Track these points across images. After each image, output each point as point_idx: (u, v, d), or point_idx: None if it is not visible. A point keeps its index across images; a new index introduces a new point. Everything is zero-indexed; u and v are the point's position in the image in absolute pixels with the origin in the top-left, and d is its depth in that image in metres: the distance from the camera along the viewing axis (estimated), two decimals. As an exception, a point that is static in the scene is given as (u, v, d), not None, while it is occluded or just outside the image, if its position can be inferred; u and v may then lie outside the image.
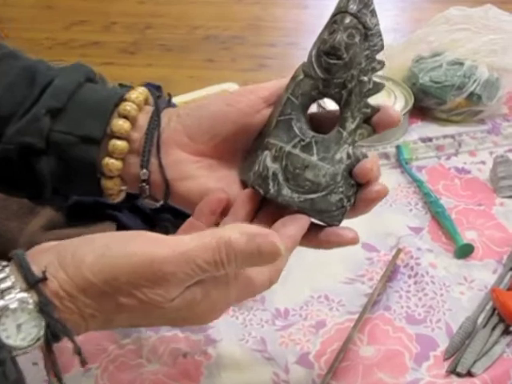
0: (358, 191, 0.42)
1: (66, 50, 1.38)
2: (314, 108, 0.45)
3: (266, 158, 0.41)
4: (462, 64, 0.85)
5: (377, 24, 0.42)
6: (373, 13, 0.42)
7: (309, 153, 0.41)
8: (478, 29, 0.87)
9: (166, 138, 0.43)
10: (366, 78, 0.41)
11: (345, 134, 0.41)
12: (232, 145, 0.43)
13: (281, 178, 0.41)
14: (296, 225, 0.39)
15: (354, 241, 0.42)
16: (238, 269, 0.35)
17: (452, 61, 0.86)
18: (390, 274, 0.64)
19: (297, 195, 0.41)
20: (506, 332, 0.57)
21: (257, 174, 0.41)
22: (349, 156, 0.41)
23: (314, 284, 0.64)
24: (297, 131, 0.41)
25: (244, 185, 0.44)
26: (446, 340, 0.57)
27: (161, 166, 0.42)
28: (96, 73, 0.79)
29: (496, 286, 0.61)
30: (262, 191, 0.41)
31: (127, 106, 0.43)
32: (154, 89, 0.82)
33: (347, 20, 0.41)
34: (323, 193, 0.41)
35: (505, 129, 0.86)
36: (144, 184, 0.43)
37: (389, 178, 0.78)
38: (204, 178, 0.43)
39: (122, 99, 0.44)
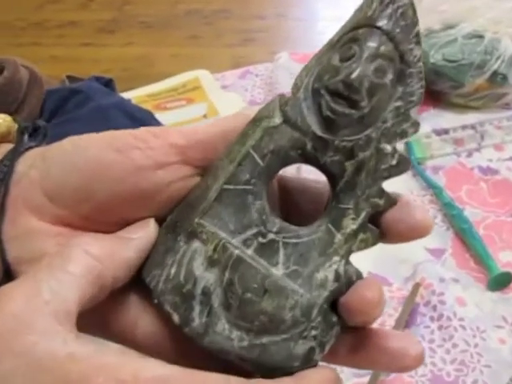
0: (339, 334, 0.24)
1: (40, 31, 1.28)
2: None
3: (195, 258, 0.24)
4: (481, 37, 0.71)
5: (420, 59, 0.25)
6: (417, 39, 0.25)
7: (269, 260, 0.24)
8: (499, -7, 0.72)
9: (15, 196, 0.27)
10: (389, 148, 0.24)
11: (338, 237, 0.24)
12: (119, 214, 0.27)
13: (216, 301, 0.24)
14: None
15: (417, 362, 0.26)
16: None
17: (469, 34, 0.71)
18: (408, 317, 0.50)
19: (238, 335, 0.24)
20: None
21: (171, 282, 0.24)
22: (338, 277, 0.24)
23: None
24: (254, 216, 0.24)
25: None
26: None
27: (0, 240, 0.27)
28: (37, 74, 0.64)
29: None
30: (176, 317, 0.24)
31: None
32: (104, 83, 0.67)
33: (376, 42, 0.24)
34: (284, 336, 0.24)
35: (536, 114, 0.71)
36: None
37: (398, 184, 0.63)
38: None
39: None
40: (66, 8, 1.38)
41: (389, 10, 0.24)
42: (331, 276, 0.24)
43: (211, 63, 0.93)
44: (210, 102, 0.75)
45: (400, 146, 0.69)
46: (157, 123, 0.63)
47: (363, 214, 0.24)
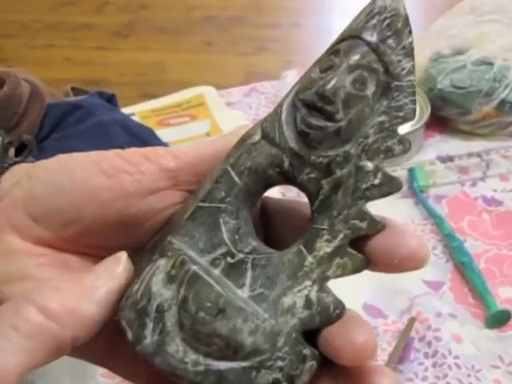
0: (318, 368, 0.22)
1: (55, 33, 1.29)
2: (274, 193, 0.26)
3: (156, 273, 0.23)
4: (491, 64, 0.69)
5: (411, 72, 0.23)
6: (407, 51, 0.23)
7: (235, 281, 0.23)
8: (510, 20, 0.71)
9: None
10: (370, 166, 0.22)
11: (310, 260, 0.22)
12: (105, 239, 0.26)
13: (171, 319, 0.22)
14: None
15: None
16: None
17: (479, 60, 0.70)
18: (401, 352, 0.49)
19: (194, 358, 0.22)
20: None
21: (131, 299, 0.23)
22: (309, 303, 0.22)
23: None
24: (225, 235, 0.23)
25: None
26: None
27: None
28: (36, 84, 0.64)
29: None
30: (129, 334, 0.23)
31: None
32: (106, 98, 0.67)
33: (357, 53, 0.23)
34: (244, 363, 0.22)
35: (544, 145, 0.69)
36: None
37: (399, 211, 0.62)
38: (47, 281, 0.25)
39: None
40: (81, 11, 1.39)
41: (374, 21, 0.23)
42: (300, 302, 0.22)
43: (224, 70, 0.93)
44: (213, 119, 0.75)
45: (403, 172, 0.67)
46: (158, 142, 0.62)
47: (340, 237, 0.22)
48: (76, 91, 0.73)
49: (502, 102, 0.68)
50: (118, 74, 1.03)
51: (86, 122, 0.60)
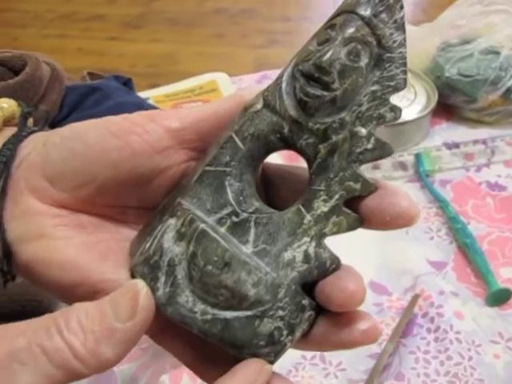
0: (316, 318, 0.25)
1: (68, 24, 1.30)
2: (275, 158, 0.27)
3: (167, 232, 0.25)
4: (497, 53, 0.71)
5: (402, 44, 0.25)
6: (398, 25, 0.25)
7: (240, 238, 0.25)
8: (518, 10, 0.72)
9: (17, 178, 0.28)
10: (364, 131, 0.24)
11: (308, 218, 0.24)
12: (117, 198, 0.28)
13: (181, 273, 0.24)
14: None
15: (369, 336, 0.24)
16: None
17: (486, 49, 0.72)
18: (405, 327, 0.51)
19: (202, 308, 0.24)
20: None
21: (144, 255, 0.25)
22: (307, 258, 0.24)
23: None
24: (230, 196, 0.25)
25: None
26: (476, 426, 0.44)
27: (0, 220, 0.27)
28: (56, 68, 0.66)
29: (541, 350, 0.48)
30: None
31: None
32: (123, 82, 0.69)
33: (352, 26, 0.24)
34: (248, 313, 0.24)
35: (548, 133, 0.71)
36: None
37: (405, 195, 0.64)
38: (63, 241, 0.27)
39: None
40: (94, 1, 1.40)
41: None
42: (300, 256, 0.24)
43: (234, 63, 0.94)
44: (225, 104, 0.76)
45: (410, 157, 0.69)
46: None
47: (336, 197, 0.24)
48: (92, 76, 0.75)
49: (508, 91, 0.70)
50: (129, 65, 1.05)
51: (104, 103, 0.62)
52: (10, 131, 0.29)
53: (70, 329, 0.21)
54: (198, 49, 1.12)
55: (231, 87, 0.80)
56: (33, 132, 0.29)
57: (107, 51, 1.18)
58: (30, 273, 0.27)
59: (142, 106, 0.63)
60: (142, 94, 0.77)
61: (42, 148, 0.28)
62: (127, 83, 0.68)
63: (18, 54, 0.60)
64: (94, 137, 0.26)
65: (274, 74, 0.86)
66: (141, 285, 0.24)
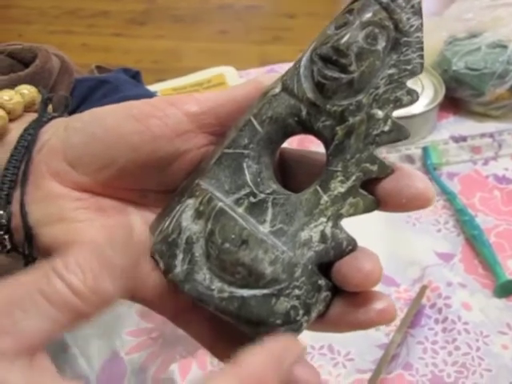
0: (333, 299, 0.25)
1: (73, 20, 1.31)
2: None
3: (185, 211, 0.25)
4: (505, 47, 0.71)
5: (419, 29, 0.25)
6: (415, 10, 0.25)
7: (257, 218, 0.25)
8: (526, 4, 0.72)
9: (38, 162, 0.28)
10: (380, 114, 0.24)
11: (325, 198, 0.24)
12: (137, 181, 0.28)
13: (199, 250, 0.25)
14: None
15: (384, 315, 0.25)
16: None
17: (493, 43, 0.71)
18: (413, 317, 0.51)
19: (219, 286, 0.24)
20: None
21: (163, 234, 0.26)
22: (324, 238, 0.24)
23: (315, 329, 0.51)
24: (248, 178, 0.25)
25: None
26: (484, 415, 0.44)
27: (22, 203, 0.28)
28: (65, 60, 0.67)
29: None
30: (161, 264, 0.25)
31: None
32: (131, 75, 0.69)
33: (370, 11, 0.25)
34: (264, 291, 0.24)
35: (556, 127, 0.71)
36: (1, 232, 0.28)
37: (413, 188, 0.64)
38: (84, 224, 0.28)
39: None
40: (99, -3, 1.41)
41: None
42: (316, 236, 0.24)
43: (239, 59, 0.94)
44: (233, 98, 0.77)
45: (417, 150, 0.69)
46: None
47: (353, 178, 0.24)
48: (100, 69, 0.75)
49: (516, 85, 0.70)
50: (134, 61, 1.05)
51: (113, 96, 0.62)
52: (31, 117, 0.30)
53: (69, 270, 0.21)
54: (202, 45, 1.12)
55: (239, 81, 0.81)
56: (53, 118, 0.30)
57: (112, 47, 1.19)
58: (51, 255, 0.27)
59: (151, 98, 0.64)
60: (150, 88, 0.77)
61: (62, 133, 0.28)
62: (136, 76, 0.68)
63: (27, 46, 0.61)
64: (114, 121, 0.27)
65: (281, 68, 0.86)
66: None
